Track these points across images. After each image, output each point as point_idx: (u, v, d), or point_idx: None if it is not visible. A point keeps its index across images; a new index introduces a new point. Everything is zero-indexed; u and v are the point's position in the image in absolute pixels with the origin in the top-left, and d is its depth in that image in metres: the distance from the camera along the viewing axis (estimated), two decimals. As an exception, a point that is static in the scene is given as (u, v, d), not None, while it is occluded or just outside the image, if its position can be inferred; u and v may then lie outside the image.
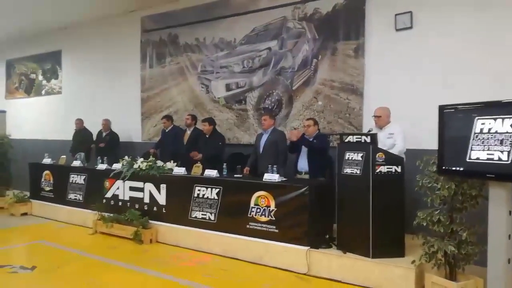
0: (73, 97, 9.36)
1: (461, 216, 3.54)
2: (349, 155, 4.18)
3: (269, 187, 4.63)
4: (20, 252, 5.37)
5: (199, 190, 5.21)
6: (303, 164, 5.17)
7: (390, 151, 4.13)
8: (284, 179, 4.80)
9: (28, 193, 7.53)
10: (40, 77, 10.12)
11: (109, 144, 7.60)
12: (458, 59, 4.75)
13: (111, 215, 5.91)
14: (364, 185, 3.99)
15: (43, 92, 10.08)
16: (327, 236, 4.41)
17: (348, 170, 4.18)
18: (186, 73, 7.29)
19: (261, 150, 5.54)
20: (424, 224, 3.58)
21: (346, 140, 4.26)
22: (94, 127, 8.04)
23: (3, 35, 10.10)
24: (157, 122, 7.60)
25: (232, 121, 6.73)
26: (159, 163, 5.75)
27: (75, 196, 6.72)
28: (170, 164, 5.70)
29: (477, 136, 3.03)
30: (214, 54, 6.91)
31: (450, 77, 4.78)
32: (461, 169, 3.16)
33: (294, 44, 6.05)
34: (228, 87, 6.77)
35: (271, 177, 4.71)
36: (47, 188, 7.19)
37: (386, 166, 3.98)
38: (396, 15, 5.17)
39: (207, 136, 6.16)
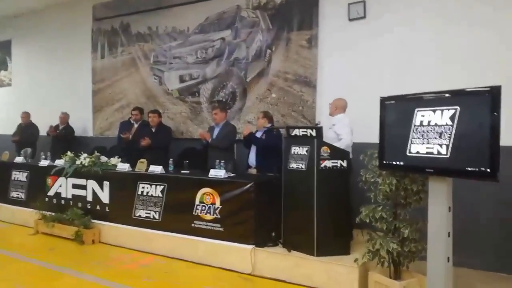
0: (24, 89, 8.84)
1: (405, 212, 3.40)
2: (294, 149, 3.98)
3: (214, 184, 4.39)
4: None
5: (143, 187, 4.91)
6: (253, 158, 4.99)
7: (336, 144, 3.95)
8: (232, 174, 4.57)
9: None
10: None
11: (63, 138, 7.18)
12: (412, 50, 4.61)
13: (53, 214, 5.54)
14: (309, 181, 3.81)
15: (-9, 83, 9.50)
16: (273, 234, 4.20)
17: (293, 165, 3.98)
18: (138, 64, 6.94)
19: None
20: (367, 221, 3.42)
21: (293, 134, 4.05)
22: (45, 120, 7.56)
23: None
24: (108, 116, 7.22)
25: (185, 114, 6.44)
26: (103, 158, 5.42)
27: (17, 194, 6.28)
28: (114, 160, 5.37)
29: (417, 129, 2.87)
30: (167, 44, 6.59)
31: (404, 68, 4.64)
32: (402, 163, 3.00)
33: (248, 34, 5.80)
34: (181, 79, 6.47)
35: (216, 173, 4.47)
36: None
37: (331, 161, 3.81)
38: (349, 4, 5.00)
39: (153, 129, 5.86)
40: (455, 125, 2.62)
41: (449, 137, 2.65)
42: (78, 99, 7.77)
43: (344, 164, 3.86)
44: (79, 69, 7.75)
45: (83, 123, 7.68)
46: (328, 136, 4.13)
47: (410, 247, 3.30)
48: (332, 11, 5.15)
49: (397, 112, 3.06)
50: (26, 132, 7.58)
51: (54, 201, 5.72)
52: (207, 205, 4.40)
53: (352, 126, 4.30)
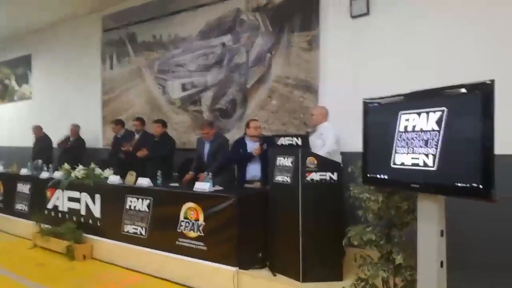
0: (42, 102, 8.98)
1: (400, 234, 2.88)
2: (280, 160, 3.57)
3: (198, 198, 4.04)
4: None
5: (130, 201, 4.66)
6: (257, 171, 4.55)
7: (319, 153, 3.50)
8: (219, 188, 4.20)
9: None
10: (13, 83, 9.80)
11: (73, 150, 7.14)
12: (424, 46, 4.07)
13: (50, 227, 5.41)
14: (294, 195, 3.37)
15: (15, 97, 9.75)
16: (260, 255, 3.78)
17: (279, 178, 3.57)
18: (143, 73, 6.79)
19: (206, 158, 5.00)
20: (355, 243, 2.93)
21: (279, 143, 3.64)
22: (63, 132, 7.50)
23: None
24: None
25: (188, 123, 6.17)
26: (98, 171, 5.24)
27: (21, 206, 6.26)
28: (107, 172, 5.17)
29: (401, 136, 2.39)
30: (170, 52, 6.38)
31: (415, 67, 4.10)
32: (386, 177, 2.52)
33: (248, 38, 5.46)
34: (183, 87, 6.22)
35: (202, 186, 4.12)
36: (-3, 198, 6.76)
37: (318, 173, 3.36)
38: (351, 0, 4.54)
39: (156, 139, 5.64)
40: (442, 131, 2.12)
41: (435, 145, 2.16)
42: (90, 110, 7.74)
43: (334, 176, 3.40)
44: (91, 80, 7.73)
45: (95, 134, 7.63)
46: (316, 146, 3.68)
47: (405, 276, 2.78)
48: (333, 9, 4.71)
49: (381, 116, 2.59)
50: (41, 144, 7.62)
51: (52, 214, 5.61)
52: (191, 221, 4.06)
53: (338, 134, 3.82)
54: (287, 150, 3.51)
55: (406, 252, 2.74)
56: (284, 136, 3.61)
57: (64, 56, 8.37)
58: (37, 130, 7.71)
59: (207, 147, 5.01)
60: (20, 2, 7.12)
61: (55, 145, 7.53)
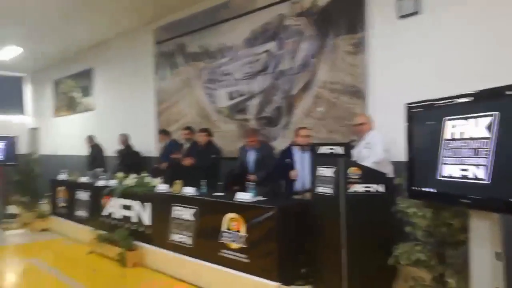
0: (103, 113, 9.50)
1: (453, 254, 2.59)
2: (321, 170, 3.39)
3: (240, 208, 3.97)
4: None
5: (176, 210, 4.71)
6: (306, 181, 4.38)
7: (364, 163, 3.27)
8: (262, 198, 4.09)
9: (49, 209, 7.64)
10: (78, 95, 10.47)
11: (130, 158, 7.47)
12: (478, 48, 3.71)
13: (105, 233, 5.64)
14: (336, 208, 3.18)
15: (80, 109, 10.40)
16: (304, 271, 3.61)
17: (320, 189, 3.39)
18: (192, 84, 6.91)
19: (251, 167, 4.95)
20: (402, 263, 2.69)
21: (319, 152, 3.48)
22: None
23: (50, 57, 10.64)
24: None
25: (235, 132, 6.17)
26: (147, 179, 5.38)
27: (81, 212, 6.61)
28: (156, 180, 5.29)
29: (448, 145, 2.14)
30: (218, 61, 6.44)
31: (471, 69, 3.74)
32: (433, 190, 2.27)
33: (292, 43, 5.35)
34: (231, 96, 6.24)
35: (243, 196, 4.05)
36: (62, 204, 7.21)
37: (363, 185, 3.14)
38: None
39: (201, 147, 5.69)
40: (494, 138, 1.86)
41: (486, 154, 1.90)
42: (145, 120, 8.05)
43: (381, 188, 3.16)
44: (145, 91, 8.04)
45: (150, 144, 7.89)
46: (363, 156, 3.46)
47: (460, 301, 2.48)
48: (379, 9, 4.45)
49: (425, 122, 2.35)
50: (94, 153, 8.08)
51: (107, 220, 5.85)
52: (233, 232, 4.00)
53: (388, 142, 3.55)
54: (328, 159, 3.33)
55: (461, 275, 2.45)
56: (325, 144, 3.44)
57: (121, 69, 8.79)
58: (88, 140, 8.18)
59: (251, 155, 4.95)
60: (81, 20, 7.59)
61: (108, 153, 7.91)
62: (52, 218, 7.45)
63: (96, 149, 8.17)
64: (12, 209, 8.19)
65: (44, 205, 8.00)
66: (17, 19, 7.33)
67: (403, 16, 4.23)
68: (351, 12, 4.67)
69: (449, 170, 2.11)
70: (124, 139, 7.59)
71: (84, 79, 10.18)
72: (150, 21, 7.73)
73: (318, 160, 3.46)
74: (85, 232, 6.24)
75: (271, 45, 5.60)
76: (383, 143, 3.54)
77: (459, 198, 2.05)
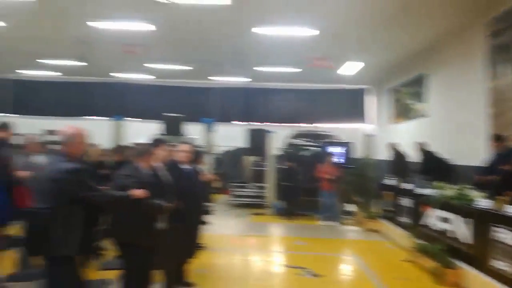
0: (435, 119, 9.07)
1: None
2: None
3: None
4: (319, 260, 5.81)
5: (498, 231, 3.93)
6: None
7: None
8: None
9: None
10: (411, 101, 10.54)
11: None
12: None
13: (423, 244, 5.45)
14: None
15: (413, 115, 10.38)
16: None
17: None
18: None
19: None
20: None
21: None
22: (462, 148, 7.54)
23: (383, 67, 11.30)
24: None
25: None
26: (467, 191, 4.78)
27: (404, 218, 6.65)
28: (476, 194, 4.61)
29: None
30: None
31: None
32: None
33: None
34: None
35: None
36: (389, 208, 7.50)
37: None
38: None
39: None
40: None
41: None
42: (470, 125, 7.22)
43: None
44: (472, 92, 7.26)
45: (473, 151, 6.96)
46: None
47: None
48: None
49: None
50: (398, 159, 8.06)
51: (425, 230, 5.63)
52: None
53: None
54: None
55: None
56: None
57: (452, 70, 8.20)
58: (391, 146, 8.19)
59: None
60: (411, 24, 7.65)
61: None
62: (380, 220, 7.87)
63: (398, 155, 8.11)
64: (350, 207, 9.24)
65: (375, 207, 8.56)
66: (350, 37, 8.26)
67: None
68: None
69: None
70: (421, 146, 7.16)
71: (415, 85, 10.15)
72: (481, 15, 6.82)
73: None
74: (406, 239, 6.25)
75: None
76: None
77: None
